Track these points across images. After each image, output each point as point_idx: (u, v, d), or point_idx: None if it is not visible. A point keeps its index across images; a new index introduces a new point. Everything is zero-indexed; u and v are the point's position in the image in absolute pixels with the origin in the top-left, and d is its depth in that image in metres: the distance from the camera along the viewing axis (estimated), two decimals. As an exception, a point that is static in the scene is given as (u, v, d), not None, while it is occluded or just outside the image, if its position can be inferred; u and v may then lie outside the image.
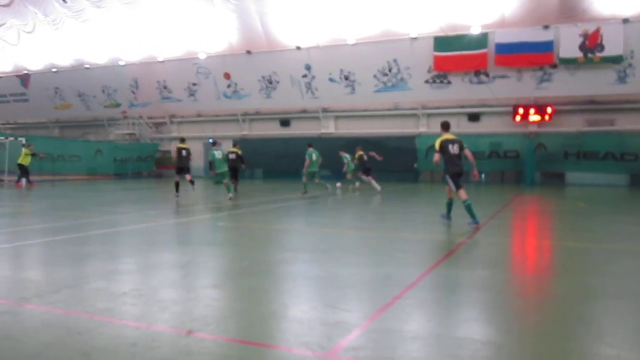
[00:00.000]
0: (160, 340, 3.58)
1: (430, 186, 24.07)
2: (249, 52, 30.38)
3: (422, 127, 28.65)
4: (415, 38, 26.71)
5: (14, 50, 37.97)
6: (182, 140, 18.08)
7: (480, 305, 4.71)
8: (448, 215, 10.43)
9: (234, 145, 19.30)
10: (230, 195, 15.94)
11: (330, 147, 24.77)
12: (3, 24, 36.32)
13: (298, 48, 29.14)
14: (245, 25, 29.70)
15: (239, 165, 18.27)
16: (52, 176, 27.74)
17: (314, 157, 18.14)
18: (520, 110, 25.87)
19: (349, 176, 21.76)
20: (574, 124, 25.68)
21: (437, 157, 9.77)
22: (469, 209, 9.51)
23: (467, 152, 9.88)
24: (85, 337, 3.61)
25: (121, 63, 34.60)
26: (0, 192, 19.11)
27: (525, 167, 26.06)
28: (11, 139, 25.43)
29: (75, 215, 11.71)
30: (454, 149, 9.71)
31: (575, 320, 4.22)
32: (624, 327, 4.12)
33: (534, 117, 25.67)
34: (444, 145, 9.73)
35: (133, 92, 35.59)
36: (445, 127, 10.17)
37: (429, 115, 28.67)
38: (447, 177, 9.89)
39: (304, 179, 18.24)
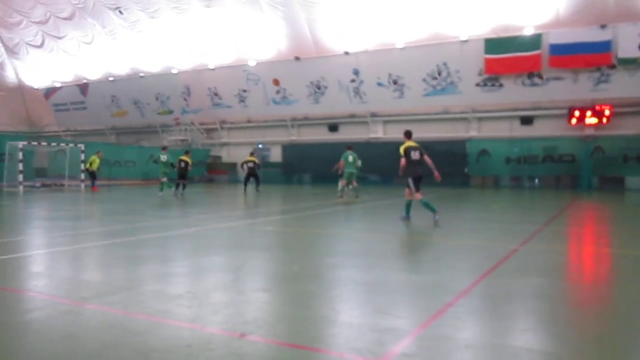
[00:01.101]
0: (214, 342, 3.64)
1: (481, 191, 23.58)
2: (297, 58, 30.65)
3: (472, 131, 28.13)
4: (466, 41, 26.28)
5: (74, 61, 39.67)
6: (186, 152, 21.59)
7: (536, 315, 4.57)
8: (407, 216, 11.36)
9: (251, 154, 22.22)
10: (161, 194, 19.17)
11: (379, 152, 24.67)
12: (64, 36, 38.00)
13: (346, 53, 29.19)
14: (293, 31, 29.99)
15: (256, 171, 21.89)
16: (109, 181, 28.76)
17: (350, 159, 17.53)
18: (576, 113, 25.03)
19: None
20: (633, 127, 24.58)
21: (403, 162, 10.98)
22: (426, 205, 10.79)
23: (427, 157, 11.13)
24: (142, 338, 3.72)
25: (174, 71, 35.59)
26: (62, 196, 19.94)
27: (582, 172, 25.17)
28: (71, 145, 26.55)
29: (131, 219, 12.09)
30: (415, 155, 10.98)
31: (637, 333, 4.03)
32: (693, 340, 3.91)
33: (590, 119, 24.77)
34: (407, 152, 10.98)
35: (185, 99, 36.52)
36: (408, 135, 11.52)
37: (479, 119, 28.13)
38: (410, 180, 10.98)
39: (341, 182, 17.60)
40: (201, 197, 21.28)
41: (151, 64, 36.45)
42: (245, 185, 22.30)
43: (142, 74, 37.08)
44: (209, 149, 36.39)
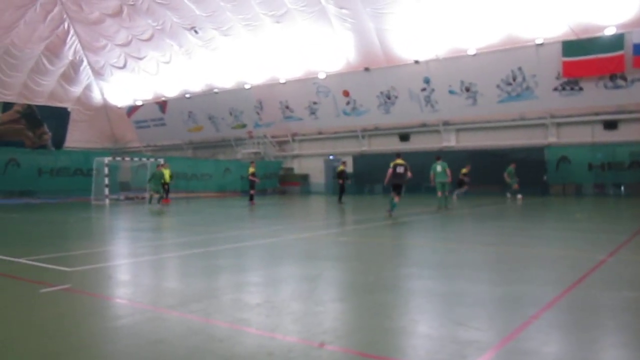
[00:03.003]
0: (295, 351, 3.69)
1: (562, 200, 22.56)
2: (367, 69, 30.72)
3: (551, 138, 27.03)
4: (542, 44, 25.39)
5: (153, 80, 41.75)
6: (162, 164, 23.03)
7: (629, 330, 4.31)
8: (392, 210, 14.81)
9: (252, 163, 22.82)
10: (158, 206, 20.61)
11: (452, 161, 24.16)
12: (145, 57, 40.11)
13: (416, 62, 28.95)
14: (362, 42, 30.12)
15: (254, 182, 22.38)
16: (187, 194, 29.90)
17: (439, 169, 17.69)
18: (666, 115, 23.50)
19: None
20: None
21: (390, 172, 14.96)
22: (393, 205, 14.75)
23: (409, 174, 15.21)
24: (226, 345, 3.83)
25: (246, 86, 36.63)
26: (143, 209, 20.91)
27: (673, 178, 23.55)
28: (152, 160, 27.87)
29: (209, 230, 12.49)
30: (400, 169, 14.93)
31: None
32: None
33: (682, 122, 23.17)
34: (394, 167, 14.96)
35: (258, 113, 37.46)
36: (397, 155, 15.63)
37: (558, 124, 27.01)
38: (391, 187, 14.94)
39: (439, 193, 17.81)
40: (274, 208, 21.67)
41: (225, 80, 37.73)
42: (340, 195, 22.51)
43: (216, 90, 38.43)
44: (282, 161, 37.05)
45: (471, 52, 27.20)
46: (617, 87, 24.52)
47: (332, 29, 30.27)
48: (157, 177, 21.45)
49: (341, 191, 22.20)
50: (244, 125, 38.78)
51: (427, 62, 28.80)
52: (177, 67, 39.37)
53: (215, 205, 23.15)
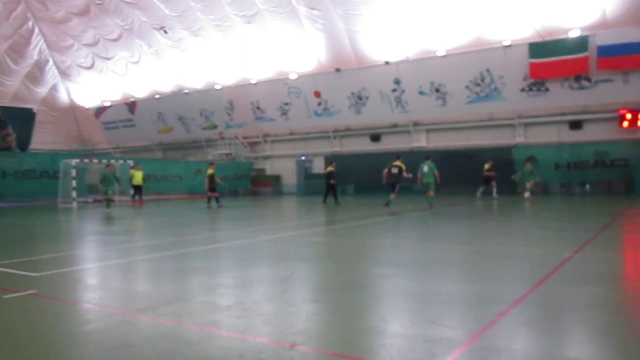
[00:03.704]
0: (266, 353, 3.67)
1: (530, 198, 22.97)
2: (338, 69, 30.82)
3: (519, 138, 27.54)
4: (509, 46, 25.86)
5: (122, 80, 41.11)
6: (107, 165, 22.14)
7: (593, 325, 4.42)
8: (387, 206, 16.75)
9: (211, 164, 21.85)
10: (108, 209, 19.81)
11: (423, 161, 24.39)
12: (113, 57, 39.47)
13: (387, 63, 29.16)
14: (333, 43, 30.21)
15: (215, 184, 21.07)
16: (157, 195, 29.49)
17: (425, 169, 17.85)
18: (628, 116, 24.19)
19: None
20: (691, 128, 23.57)
21: (385, 172, 17.17)
22: (389, 201, 16.87)
23: (404, 173, 16.94)
24: (196, 347, 3.79)
25: (217, 87, 36.36)
26: (112, 211, 20.55)
27: (636, 177, 24.21)
28: (121, 162, 27.41)
29: (180, 232, 12.36)
30: (394, 170, 16.92)
31: None
32: None
33: (644, 122, 23.88)
34: (390, 168, 17.10)
35: (229, 114, 37.22)
36: (397, 157, 17.59)
37: (526, 124, 27.54)
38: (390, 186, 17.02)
39: (428, 193, 18.03)
40: (246, 210, 21.55)
41: (195, 80, 37.39)
42: (335, 196, 22.02)
43: (186, 91, 38.05)
44: (253, 162, 36.89)
45: (440, 53, 27.53)
46: (581, 88, 25.13)
47: (303, 29, 30.28)
48: (108, 178, 20.58)
49: (333, 192, 21.77)
50: (214, 126, 38.48)
51: (397, 63, 29.04)
52: (146, 68, 38.83)
53: (186, 207, 22.90)
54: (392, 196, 16.92)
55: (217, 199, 21.06)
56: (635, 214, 15.38)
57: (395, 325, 4.38)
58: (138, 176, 24.17)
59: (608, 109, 24.94)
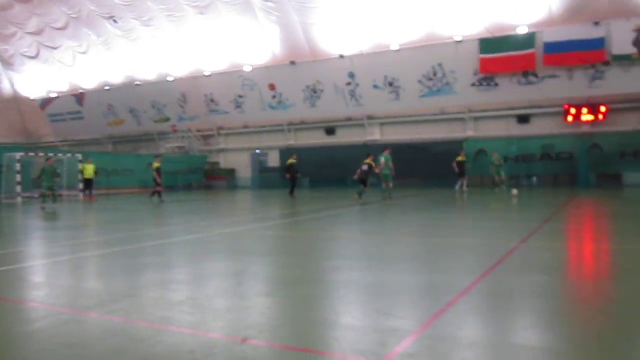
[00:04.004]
0: (217, 347, 3.65)
1: (480, 190, 23.63)
2: (292, 62, 30.74)
3: (469, 131, 28.20)
4: (460, 41, 26.40)
5: (69, 71, 39.73)
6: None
7: (537, 312, 4.59)
8: (360, 195, 18.12)
9: (156, 157, 21.43)
10: (47, 205, 18.04)
11: (377, 154, 24.65)
12: (59, 46, 38.07)
13: (341, 56, 29.28)
14: (288, 36, 30.09)
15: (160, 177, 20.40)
16: (107, 190, 28.72)
17: (382, 160, 18.44)
18: (572, 110, 25.13)
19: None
20: (630, 123, 24.69)
21: (358, 171, 18.52)
22: (361, 192, 18.24)
23: (377, 169, 18.40)
24: (145, 345, 3.72)
25: (169, 78, 35.65)
26: (60, 206, 19.91)
27: (580, 169, 25.23)
28: (68, 155, 26.54)
29: (131, 227, 12.09)
30: (364, 167, 18.41)
31: (638, 325, 4.05)
32: (694, 332, 3.93)
33: (586, 116, 24.88)
34: (361, 165, 18.48)
35: (181, 106, 36.57)
36: (367, 155, 19.02)
37: (476, 118, 28.22)
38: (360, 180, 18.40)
39: (383, 184, 18.64)
40: (200, 203, 21.28)
41: (147, 71, 36.54)
42: (292, 188, 21.66)
43: (137, 82, 37.15)
44: (207, 156, 36.41)
45: (394, 47, 27.84)
46: (529, 83, 25.95)
47: (258, 21, 30.03)
48: (47, 173, 18.60)
49: (292, 185, 21.60)
50: (167, 119, 37.74)
51: (351, 57, 29.20)
52: (95, 58, 37.66)
53: (138, 201, 22.42)
54: (364, 188, 18.39)
55: (159, 194, 20.42)
56: (578, 205, 16.02)
57: (347, 317, 4.43)
58: (89, 169, 23.52)
59: (554, 104, 25.84)
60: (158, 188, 20.31)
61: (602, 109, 24.54)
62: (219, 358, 3.45)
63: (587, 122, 25.12)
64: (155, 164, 20.37)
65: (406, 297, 5.10)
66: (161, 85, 36.17)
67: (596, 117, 24.75)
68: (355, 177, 18.72)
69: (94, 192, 24.22)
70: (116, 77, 38.33)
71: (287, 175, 21.79)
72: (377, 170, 18.44)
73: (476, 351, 3.54)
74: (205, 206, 20.02)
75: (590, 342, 3.74)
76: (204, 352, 3.55)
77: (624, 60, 23.65)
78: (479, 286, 5.37)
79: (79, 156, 25.52)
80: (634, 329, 3.98)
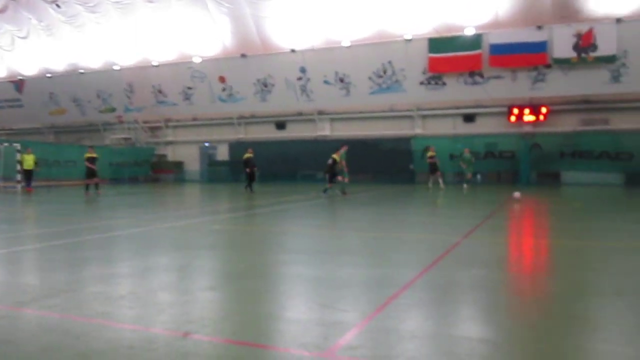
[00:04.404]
0: (157, 342, 3.59)
1: (426, 187, 24.08)
2: (243, 55, 30.41)
3: (417, 129, 28.71)
4: (410, 40, 26.78)
5: (8, 56, 37.92)
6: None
7: (476, 304, 4.74)
8: (325, 193, 18.26)
9: (89, 148, 20.78)
10: None
11: (327, 150, 24.77)
12: (-3, 30, 36.29)
13: (293, 51, 29.18)
14: (239, 28, 29.75)
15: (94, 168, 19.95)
16: (47, 182, 27.66)
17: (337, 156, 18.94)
18: (515, 111, 25.97)
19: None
20: (568, 124, 25.78)
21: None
22: (326, 189, 18.39)
23: (343, 163, 18.71)
24: (83, 341, 3.62)
25: (116, 67, 34.58)
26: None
27: (521, 167, 26.14)
28: (6, 144, 25.38)
29: (72, 220, 11.70)
30: (330, 161, 18.57)
31: (571, 318, 4.24)
32: (619, 323, 4.15)
33: (528, 117, 25.77)
34: (328, 160, 18.68)
35: (128, 97, 35.55)
36: (336, 150, 18.91)
37: (424, 116, 28.75)
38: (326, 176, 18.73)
39: (338, 178, 18.92)
40: (145, 197, 20.81)
41: (91, 60, 35.31)
42: (249, 182, 21.54)
43: (82, 71, 35.84)
44: (154, 148, 35.59)
45: (345, 44, 27.98)
46: (475, 83, 26.62)
47: (208, 12, 29.53)
48: None
49: (250, 179, 21.43)
50: (113, 109, 36.58)
51: (303, 52, 29.14)
52: (36, 44, 36.06)
53: (80, 194, 21.67)
54: (329, 185, 18.60)
55: (96, 186, 19.80)
56: (517, 202, 16.60)
57: (291, 310, 4.44)
58: (29, 160, 22.57)
59: (498, 104, 26.64)
60: (90, 180, 19.58)
61: (543, 110, 25.50)
62: (159, 353, 3.39)
63: (529, 122, 26.03)
64: (86, 154, 19.73)
65: (351, 290, 5.16)
66: (107, 74, 35.01)
67: (537, 117, 25.69)
68: (325, 172, 19.19)
69: (33, 184, 23.24)
70: (59, 65, 36.82)
71: (247, 170, 21.52)
72: (341, 166, 18.72)
73: (417, 343, 3.62)
74: (151, 199, 19.59)
75: (525, 333, 3.89)
76: (143, 347, 3.48)
77: (564, 63, 24.63)
78: (421, 280, 5.49)
79: (18, 146, 24.45)
80: (565, 320, 4.17)
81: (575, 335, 3.83)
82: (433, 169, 23.54)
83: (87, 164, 19.74)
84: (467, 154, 23.94)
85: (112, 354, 3.36)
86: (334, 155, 18.69)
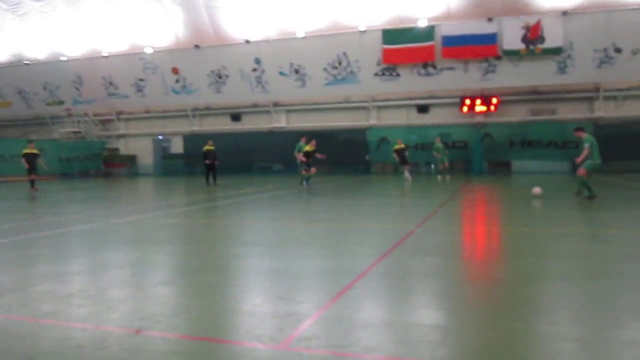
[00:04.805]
0: (108, 341, 3.51)
1: (381, 177, 24.39)
2: (197, 46, 29.91)
3: (372, 120, 28.97)
4: (364, 31, 26.92)
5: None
6: None
7: (429, 291, 4.84)
8: (308, 183, 18.23)
9: (29, 143, 19.76)
10: None
11: (283, 141, 24.78)
12: None
13: (247, 42, 28.89)
14: (192, 19, 29.22)
15: (35, 161, 18.95)
16: (-8, 177, 26.58)
17: (297, 148, 19.18)
18: (467, 102, 26.54)
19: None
20: (518, 114, 26.57)
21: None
22: (308, 179, 18.33)
23: (318, 155, 19.12)
24: (29, 342, 3.50)
25: (63, 58, 33.41)
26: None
27: (473, 157, 26.77)
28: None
29: (19, 217, 11.28)
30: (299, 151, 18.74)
31: (518, 301, 4.39)
32: (565, 305, 4.32)
33: (480, 107, 26.38)
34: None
35: (77, 89, 34.43)
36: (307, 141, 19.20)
37: (379, 107, 29.03)
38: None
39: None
40: (97, 191, 20.26)
41: (37, 50, 33.98)
42: (214, 176, 21.30)
43: (27, 62, 34.45)
44: (105, 141, 34.66)
45: (300, 35, 27.87)
46: (428, 74, 27.03)
47: (160, 1, 28.85)
48: None
49: (212, 172, 21.11)
50: (61, 102, 35.36)
51: (257, 43, 28.89)
52: (-25, 33, 34.46)
53: (27, 190, 20.90)
54: (312, 171, 18.71)
55: (32, 183, 18.76)
56: (470, 191, 17.01)
57: (246, 304, 4.42)
58: None
59: (451, 95, 27.17)
60: (31, 176, 18.81)
61: (494, 100, 26.16)
62: (110, 351, 3.32)
63: (480, 112, 26.68)
64: (24, 150, 18.83)
65: (306, 281, 5.18)
66: (54, 65, 33.78)
67: (488, 108, 26.34)
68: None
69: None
70: (1, 55, 35.28)
71: (206, 162, 21.20)
72: (320, 156, 19.33)
73: (370, 331, 3.67)
74: (103, 194, 19.09)
75: (476, 318, 4.00)
76: (94, 345, 3.40)
77: (513, 55, 25.29)
78: (376, 269, 5.56)
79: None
80: (514, 304, 4.31)
81: (523, 318, 3.96)
82: (403, 160, 22.97)
83: (22, 160, 18.55)
84: (438, 143, 23.93)
85: (61, 355, 3.27)
86: (307, 148, 18.65)
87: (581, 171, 12.33)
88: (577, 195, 12.79)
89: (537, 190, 13.40)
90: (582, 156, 12.16)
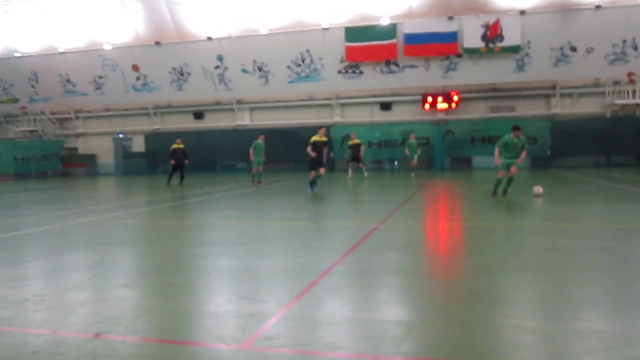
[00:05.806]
0: (65, 346, 3.42)
1: (345, 175, 24.44)
2: (158, 43, 29.38)
3: (336, 117, 29.04)
4: (327, 28, 26.94)
5: None
6: None
7: (391, 288, 4.88)
8: (312, 188, 14.89)
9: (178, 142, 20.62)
10: None
11: (246, 139, 24.53)
12: None
13: (209, 38, 28.54)
14: (153, 15, 28.67)
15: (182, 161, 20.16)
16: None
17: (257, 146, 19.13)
18: (429, 99, 26.85)
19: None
20: (478, 111, 27.07)
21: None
22: (313, 183, 14.91)
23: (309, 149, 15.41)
24: (-20, 349, 3.38)
25: (17, 55, 32.32)
26: None
27: (436, 153, 27.14)
28: None
29: (-30, 219, 10.88)
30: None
31: (478, 295, 4.47)
32: (522, 299, 4.43)
33: (441, 105, 26.74)
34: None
35: (33, 86, 33.37)
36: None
37: (342, 105, 29.12)
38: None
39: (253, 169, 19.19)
40: (54, 192, 19.71)
41: (-11, 46, 32.80)
42: (181, 175, 20.70)
43: (-22, 58, 33.22)
44: (63, 141, 33.73)
45: (263, 32, 27.69)
46: (390, 72, 27.26)
47: (118, -3, 28.23)
48: None
49: (181, 171, 20.60)
50: (16, 100, 34.20)
51: (220, 40, 28.57)
52: None
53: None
54: (321, 172, 15.71)
55: None
56: (431, 187, 17.25)
57: (208, 304, 4.37)
58: None
59: (413, 92, 27.45)
60: None
61: (455, 98, 26.56)
62: (67, 357, 3.23)
63: (442, 110, 27.05)
64: None
65: (269, 281, 5.16)
66: (7, 62, 32.61)
67: (450, 105, 26.73)
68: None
69: None
70: (-49, 52, 33.94)
71: (172, 162, 20.66)
72: (311, 151, 16.88)
73: (333, 329, 3.68)
74: (61, 195, 18.59)
75: (437, 313, 4.06)
76: (49, 352, 3.31)
77: (473, 53, 25.74)
78: (339, 266, 5.58)
79: None
80: (474, 298, 4.39)
81: (483, 312, 4.03)
82: (357, 157, 22.23)
83: None
84: (412, 139, 23.15)
85: (14, 361, 3.17)
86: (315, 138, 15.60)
87: (507, 172, 12.65)
88: (503, 195, 12.82)
89: (538, 189, 12.83)
90: (522, 157, 13.06)
